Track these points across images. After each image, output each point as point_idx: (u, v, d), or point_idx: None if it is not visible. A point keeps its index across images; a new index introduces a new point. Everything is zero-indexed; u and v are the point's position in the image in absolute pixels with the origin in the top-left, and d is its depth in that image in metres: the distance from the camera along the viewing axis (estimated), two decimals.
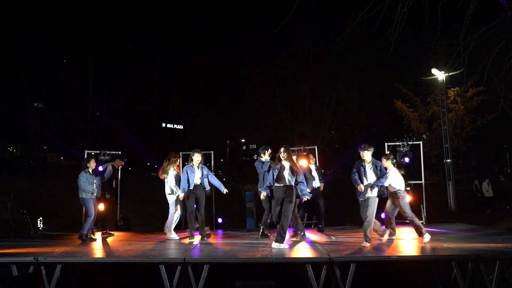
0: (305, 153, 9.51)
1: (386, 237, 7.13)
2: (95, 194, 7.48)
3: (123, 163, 9.01)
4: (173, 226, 7.73)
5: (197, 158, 7.35)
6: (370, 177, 6.43)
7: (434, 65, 13.57)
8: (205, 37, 28.90)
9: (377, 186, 6.35)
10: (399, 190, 6.87)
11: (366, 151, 6.45)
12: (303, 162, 8.41)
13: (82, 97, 28.06)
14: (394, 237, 7.18)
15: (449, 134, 12.15)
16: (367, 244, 6.35)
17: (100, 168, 8.24)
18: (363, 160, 6.52)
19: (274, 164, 6.61)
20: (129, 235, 8.49)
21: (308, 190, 6.75)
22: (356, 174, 6.54)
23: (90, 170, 7.51)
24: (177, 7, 31.54)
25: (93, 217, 7.42)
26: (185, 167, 7.40)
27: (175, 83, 30.35)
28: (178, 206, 7.74)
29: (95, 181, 7.51)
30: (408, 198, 6.87)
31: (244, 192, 9.12)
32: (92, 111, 28.42)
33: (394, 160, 7.19)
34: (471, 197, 16.24)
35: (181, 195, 7.31)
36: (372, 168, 6.44)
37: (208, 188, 7.52)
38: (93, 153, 9.78)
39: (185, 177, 7.27)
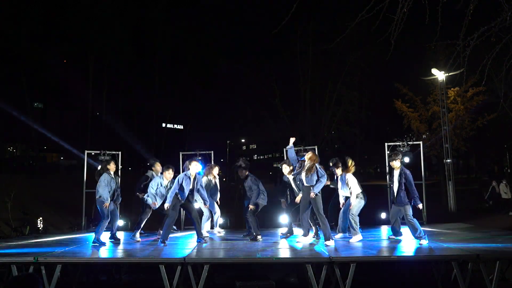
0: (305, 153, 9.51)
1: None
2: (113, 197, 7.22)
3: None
4: (204, 226, 8.08)
5: (195, 167, 6.98)
6: (395, 184, 6.83)
7: (434, 65, 13.58)
8: (205, 37, 28.82)
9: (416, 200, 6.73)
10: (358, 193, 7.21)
11: (394, 161, 6.92)
12: None
13: (82, 97, 28.02)
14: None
15: (449, 134, 12.15)
16: (424, 242, 6.54)
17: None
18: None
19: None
20: (129, 235, 8.47)
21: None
22: None
23: (112, 173, 7.25)
24: (177, 7, 31.48)
25: (107, 220, 7.08)
26: (180, 176, 6.98)
27: (175, 83, 30.31)
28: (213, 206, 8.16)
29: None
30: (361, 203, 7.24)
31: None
32: (92, 111, 28.39)
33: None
34: (471, 198, 16.21)
35: (166, 205, 6.83)
36: (397, 176, 6.86)
37: (196, 201, 7.35)
38: (93, 153, 9.80)
39: (177, 186, 6.84)
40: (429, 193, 10.35)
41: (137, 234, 7.47)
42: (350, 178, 7.24)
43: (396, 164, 6.88)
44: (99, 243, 6.90)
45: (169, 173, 7.46)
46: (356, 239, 6.95)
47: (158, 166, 8.08)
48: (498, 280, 5.31)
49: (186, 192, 6.87)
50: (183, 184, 6.84)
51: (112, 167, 7.25)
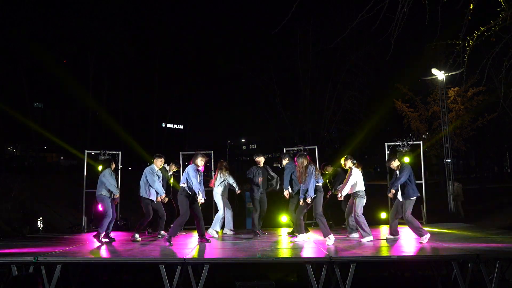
0: (305, 153, 9.50)
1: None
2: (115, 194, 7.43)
3: (175, 168, 8.93)
4: (218, 225, 8.22)
5: (201, 162, 6.97)
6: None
7: (434, 65, 13.54)
8: (205, 37, 28.88)
9: (393, 188, 7.06)
10: (358, 190, 7.20)
11: (392, 162, 7.17)
12: None
13: (82, 97, 28.00)
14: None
15: (449, 134, 12.14)
16: (425, 239, 6.63)
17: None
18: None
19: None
20: (129, 235, 8.48)
21: None
22: None
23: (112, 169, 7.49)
24: (177, 7, 31.52)
25: (110, 218, 7.25)
26: (191, 168, 6.86)
27: (175, 83, 30.33)
28: (222, 205, 8.27)
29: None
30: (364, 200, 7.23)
31: (244, 192, 9.07)
32: (92, 111, 28.38)
33: (354, 161, 7.52)
34: (471, 198, 16.18)
35: (201, 198, 6.82)
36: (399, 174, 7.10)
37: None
38: (93, 153, 9.79)
39: (188, 177, 6.79)
40: (429, 193, 10.34)
41: (137, 235, 7.48)
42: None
43: (395, 164, 7.10)
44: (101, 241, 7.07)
45: (161, 161, 7.82)
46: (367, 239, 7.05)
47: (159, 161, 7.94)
48: (498, 280, 5.31)
49: (198, 186, 6.77)
50: (194, 177, 6.71)
51: (112, 165, 7.61)
